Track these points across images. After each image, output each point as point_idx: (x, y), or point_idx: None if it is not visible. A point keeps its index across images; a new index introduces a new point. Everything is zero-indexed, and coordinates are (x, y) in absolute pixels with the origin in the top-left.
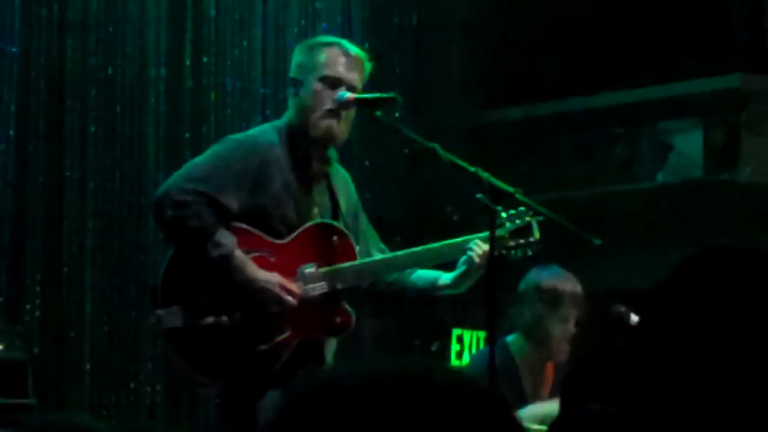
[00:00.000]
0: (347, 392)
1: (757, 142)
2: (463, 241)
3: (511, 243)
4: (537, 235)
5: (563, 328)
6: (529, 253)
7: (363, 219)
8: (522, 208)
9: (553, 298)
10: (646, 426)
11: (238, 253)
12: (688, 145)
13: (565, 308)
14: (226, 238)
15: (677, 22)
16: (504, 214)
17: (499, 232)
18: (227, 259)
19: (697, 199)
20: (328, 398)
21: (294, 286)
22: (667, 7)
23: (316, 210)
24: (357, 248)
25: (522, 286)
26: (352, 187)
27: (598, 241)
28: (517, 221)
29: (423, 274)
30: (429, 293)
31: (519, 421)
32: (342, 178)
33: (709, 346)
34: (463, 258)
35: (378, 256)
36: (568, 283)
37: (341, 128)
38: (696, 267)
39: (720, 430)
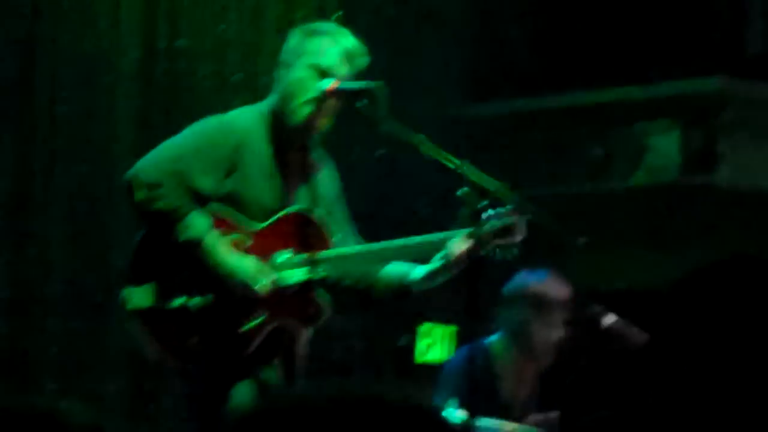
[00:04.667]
0: (303, 410)
1: (734, 146)
2: (444, 237)
3: (495, 242)
4: (520, 235)
5: (549, 334)
6: (514, 252)
7: (344, 212)
8: (508, 207)
9: (540, 304)
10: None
11: (210, 237)
12: (665, 146)
13: (552, 314)
14: (198, 220)
15: (657, 23)
16: (491, 211)
17: (482, 230)
18: (198, 242)
19: (672, 201)
20: (283, 416)
21: (268, 273)
22: (647, 8)
23: (294, 196)
24: (334, 238)
25: (509, 288)
26: (336, 178)
27: (581, 241)
28: (505, 220)
29: (392, 269)
30: (399, 289)
31: None
32: (325, 168)
33: (723, 349)
34: (441, 253)
35: (355, 247)
36: (557, 289)
37: (322, 117)
38: (711, 274)
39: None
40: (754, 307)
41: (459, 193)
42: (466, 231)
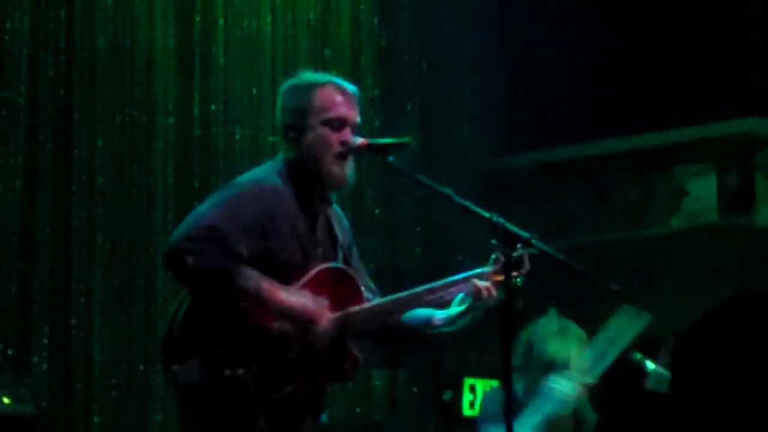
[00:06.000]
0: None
1: None
2: (467, 278)
3: (501, 277)
4: (527, 266)
5: None
6: (518, 284)
7: (356, 254)
8: (520, 247)
9: (549, 365)
10: None
11: (268, 284)
12: (703, 189)
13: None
14: (253, 272)
15: (691, 67)
16: (494, 255)
17: (486, 268)
18: (260, 287)
19: (713, 243)
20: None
21: (329, 315)
22: (681, 52)
23: (320, 250)
24: (366, 294)
25: (524, 340)
26: (345, 222)
27: (617, 287)
28: (507, 256)
29: (416, 313)
30: (423, 332)
31: None
32: (336, 213)
33: (744, 390)
34: (461, 296)
35: (387, 297)
36: (568, 347)
37: (351, 171)
38: (729, 311)
39: None
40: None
41: (492, 242)
42: (480, 270)
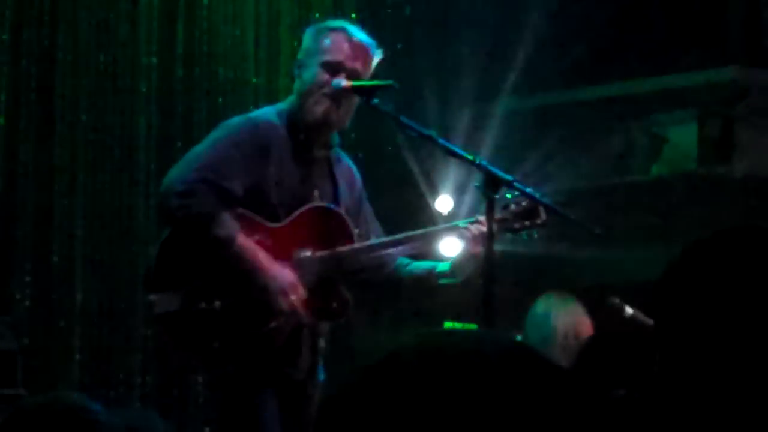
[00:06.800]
0: (401, 368)
1: (752, 135)
2: (464, 223)
3: (516, 225)
4: (544, 216)
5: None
6: (535, 235)
7: (366, 208)
8: (527, 191)
9: (552, 334)
10: (663, 410)
11: (242, 239)
12: (683, 137)
13: (562, 346)
14: (229, 221)
15: (672, 14)
16: (509, 195)
17: (502, 214)
18: (230, 241)
19: (691, 192)
20: (383, 376)
21: (300, 286)
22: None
23: (316, 193)
24: (356, 232)
25: (534, 314)
26: (358, 177)
27: (598, 231)
28: (523, 203)
29: (419, 264)
30: (426, 283)
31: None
32: (346, 165)
33: (724, 326)
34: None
35: (374, 240)
36: (575, 320)
37: (339, 114)
38: (710, 246)
39: (736, 413)
40: (747, 281)
41: (476, 184)
42: (480, 217)
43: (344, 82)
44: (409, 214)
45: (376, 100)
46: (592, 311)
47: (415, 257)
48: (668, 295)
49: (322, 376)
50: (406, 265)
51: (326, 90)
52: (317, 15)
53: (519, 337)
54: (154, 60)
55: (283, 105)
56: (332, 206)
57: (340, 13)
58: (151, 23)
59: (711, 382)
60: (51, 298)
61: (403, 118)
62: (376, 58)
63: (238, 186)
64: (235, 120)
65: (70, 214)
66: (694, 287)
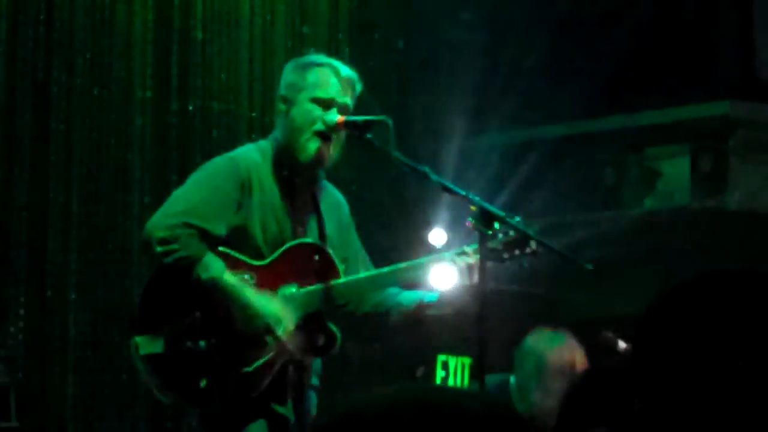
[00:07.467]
0: (372, 422)
1: (745, 169)
2: (449, 255)
3: (506, 255)
4: (534, 245)
5: (546, 398)
6: (525, 264)
7: (354, 241)
8: (517, 219)
9: (542, 369)
10: None
11: (228, 276)
12: (676, 171)
13: (552, 381)
14: (214, 261)
15: (666, 49)
16: (497, 225)
17: (492, 244)
18: (217, 281)
19: (684, 225)
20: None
21: (287, 321)
22: (655, 34)
23: (300, 229)
24: (341, 267)
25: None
26: (344, 208)
27: (589, 266)
28: (511, 233)
29: (407, 295)
30: (415, 314)
31: None
32: (332, 198)
33: (705, 368)
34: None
35: (360, 274)
36: (565, 355)
37: (330, 151)
38: (691, 290)
39: None
40: (728, 322)
41: (469, 220)
42: (471, 247)
43: (337, 117)
44: (402, 248)
45: (369, 135)
46: (585, 346)
47: (404, 287)
48: (647, 336)
49: (314, 410)
50: (395, 295)
51: (318, 126)
52: (312, 50)
53: (512, 378)
54: (149, 94)
55: (264, 142)
56: (315, 242)
57: (334, 47)
58: (146, 57)
59: (690, 422)
60: (44, 331)
61: (397, 153)
62: (359, 89)
63: (221, 226)
64: (216, 160)
65: (64, 247)
66: (672, 330)
